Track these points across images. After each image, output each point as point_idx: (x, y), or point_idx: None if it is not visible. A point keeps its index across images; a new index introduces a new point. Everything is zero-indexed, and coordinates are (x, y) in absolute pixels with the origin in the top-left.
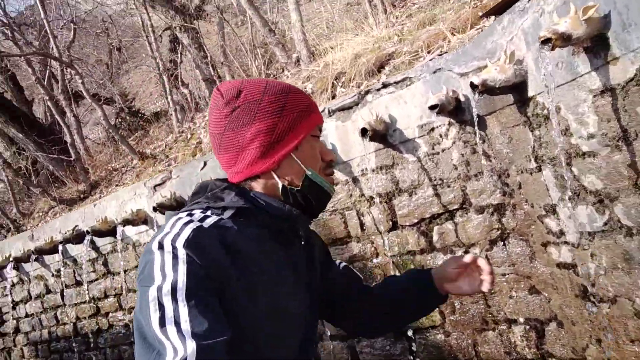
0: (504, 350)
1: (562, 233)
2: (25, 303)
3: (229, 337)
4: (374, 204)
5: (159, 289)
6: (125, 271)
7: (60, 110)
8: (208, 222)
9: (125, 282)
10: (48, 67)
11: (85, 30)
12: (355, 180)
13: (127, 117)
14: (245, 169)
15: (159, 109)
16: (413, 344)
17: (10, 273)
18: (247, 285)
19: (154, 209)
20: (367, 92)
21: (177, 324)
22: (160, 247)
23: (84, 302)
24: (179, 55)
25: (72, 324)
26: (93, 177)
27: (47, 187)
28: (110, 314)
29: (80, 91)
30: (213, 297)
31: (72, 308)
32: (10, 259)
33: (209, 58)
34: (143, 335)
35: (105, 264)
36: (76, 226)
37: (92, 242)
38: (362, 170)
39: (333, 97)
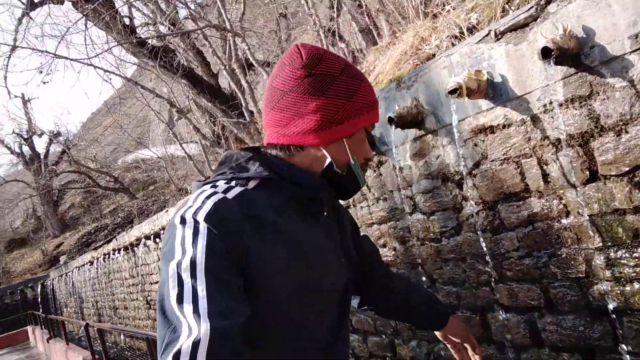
0: None
1: None
2: None
3: (247, 317)
4: (563, 149)
5: (179, 265)
6: None
7: (235, 78)
8: (232, 194)
9: None
10: (227, 41)
11: (256, 1)
12: (534, 119)
13: None
14: (294, 135)
15: None
16: (619, 327)
17: None
18: (273, 257)
19: None
20: (548, 1)
21: (195, 302)
22: (183, 221)
23: None
24: (335, 10)
25: None
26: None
27: (229, 148)
28: None
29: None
30: (233, 273)
31: None
32: None
33: (364, 7)
34: (162, 309)
35: None
36: None
37: None
38: (545, 105)
39: None
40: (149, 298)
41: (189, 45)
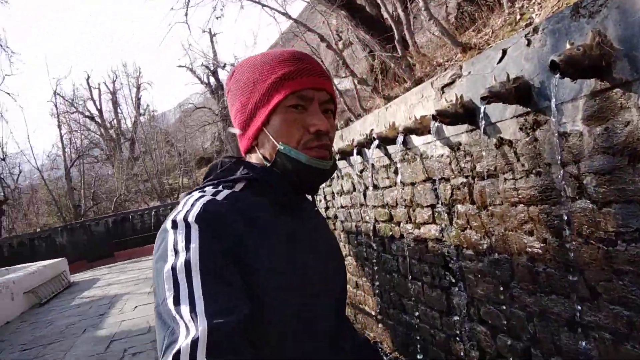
0: None
1: None
2: (340, 195)
3: (246, 313)
4: None
5: (173, 267)
6: (413, 184)
7: (393, 6)
8: (220, 195)
9: (414, 195)
10: None
11: None
12: None
13: (466, 6)
14: (241, 143)
15: None
16: None
17: None
18: (267, 252)
19: (434, 118)
20: None
21: (191, 302)
22: (174, 225)
23: (381, 207)
24: None
25: (372, 223)
26: (418, 74)
27: (377, 86)
28: (402, 224)
29: None
30: (230, 270)
31: (371, 209)
32: None
33: None
34: (159, 313)
35: (396, 172)
36: (372, 130)
37: (385, 149)
38: None
39: None
40: None
41: None
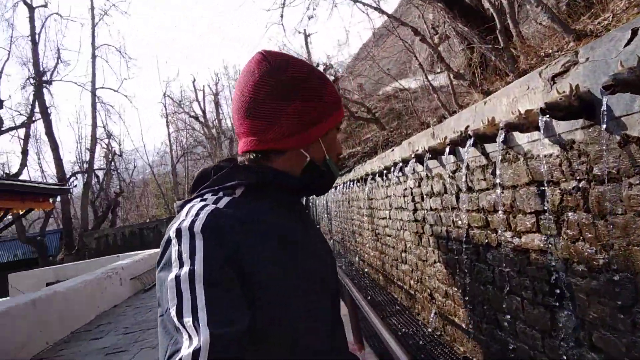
0: None
1: None
2: (430, 197)
3: (246, 322)
4: None
5: (177, 277)
6: (514, 187)
7: None
8: (222, 203)
9: (514, 199)
10: None
11: None
12: None
13: None
14: (274, 141)
15: None
16: None
17: (418, 167)
18: (270, 259)
19: (542, 112)
20: None
21: (194, 313)
22: (178, 234)
23: (475, 211)
24: None
25: (465, 229)
26: (523, 66)
27: (476, 80)
28: (499, 232)
29: None
30: (233, 282)
31: (464, 214)
32: (412, 156)
33: None
34: (163, 323)
35: (494, 173)
36: (467, 126)
37: (482, 147)
38: None
39: None
40: (376, 231)
41: None
